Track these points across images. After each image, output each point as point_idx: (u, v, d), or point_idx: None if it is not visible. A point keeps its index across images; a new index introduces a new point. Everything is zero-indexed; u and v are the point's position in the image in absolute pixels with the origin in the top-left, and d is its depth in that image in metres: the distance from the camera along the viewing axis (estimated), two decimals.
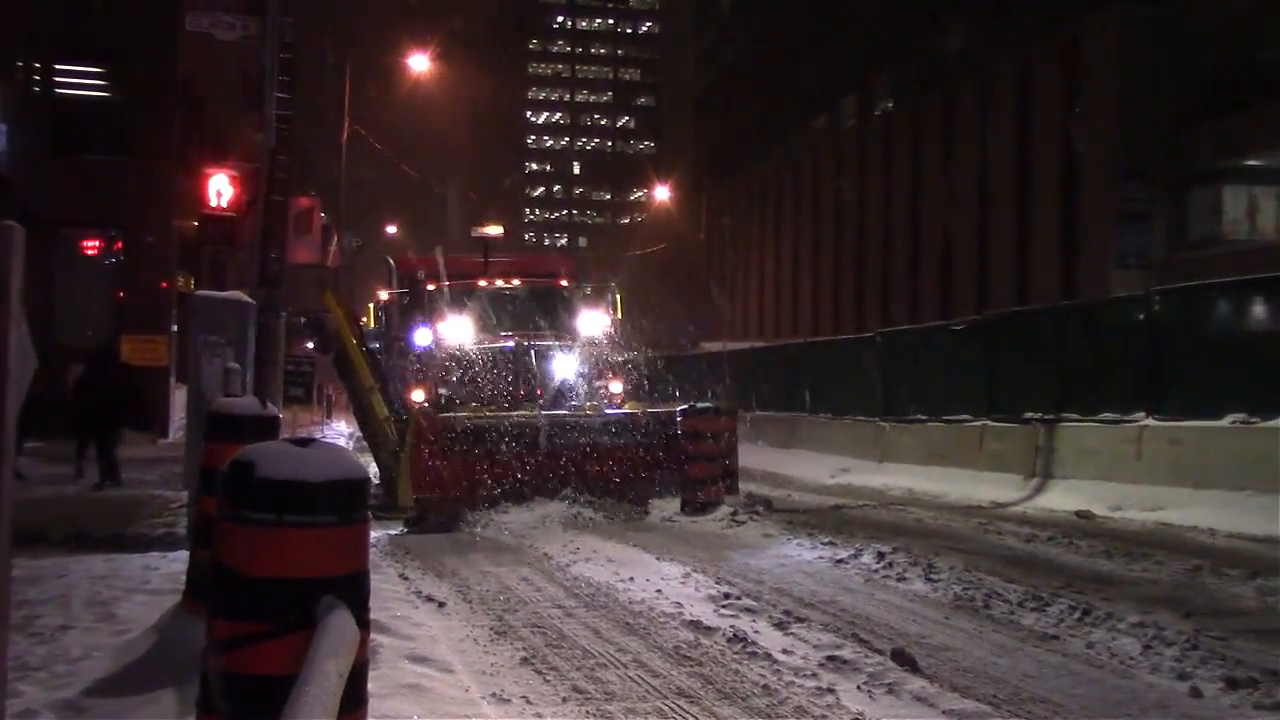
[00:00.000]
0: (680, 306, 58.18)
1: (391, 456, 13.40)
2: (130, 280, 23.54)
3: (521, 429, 12.99)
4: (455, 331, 14.75)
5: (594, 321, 15.45)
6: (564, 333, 15.35)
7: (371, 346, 15.75)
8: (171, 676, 4.91)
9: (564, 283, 16.84)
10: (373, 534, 10.50)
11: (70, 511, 11.93)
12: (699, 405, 14.07)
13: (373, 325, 17.54)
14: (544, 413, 13.55)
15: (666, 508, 12.94)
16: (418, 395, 14.36)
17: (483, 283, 15.88)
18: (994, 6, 41.10)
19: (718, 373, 28.31)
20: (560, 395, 14.65)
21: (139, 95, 23.23)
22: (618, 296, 16.46)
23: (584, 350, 15.14)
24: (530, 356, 14.70)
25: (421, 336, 15.14)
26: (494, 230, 17.70)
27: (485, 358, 14.61)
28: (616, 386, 15.33)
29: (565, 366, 14.89)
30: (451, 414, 13.09)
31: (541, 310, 15.64)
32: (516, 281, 16.39)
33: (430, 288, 15.27)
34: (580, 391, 14.80)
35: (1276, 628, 6.90)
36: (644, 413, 14.08)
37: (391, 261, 17.75)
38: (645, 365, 17.36)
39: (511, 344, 14.76)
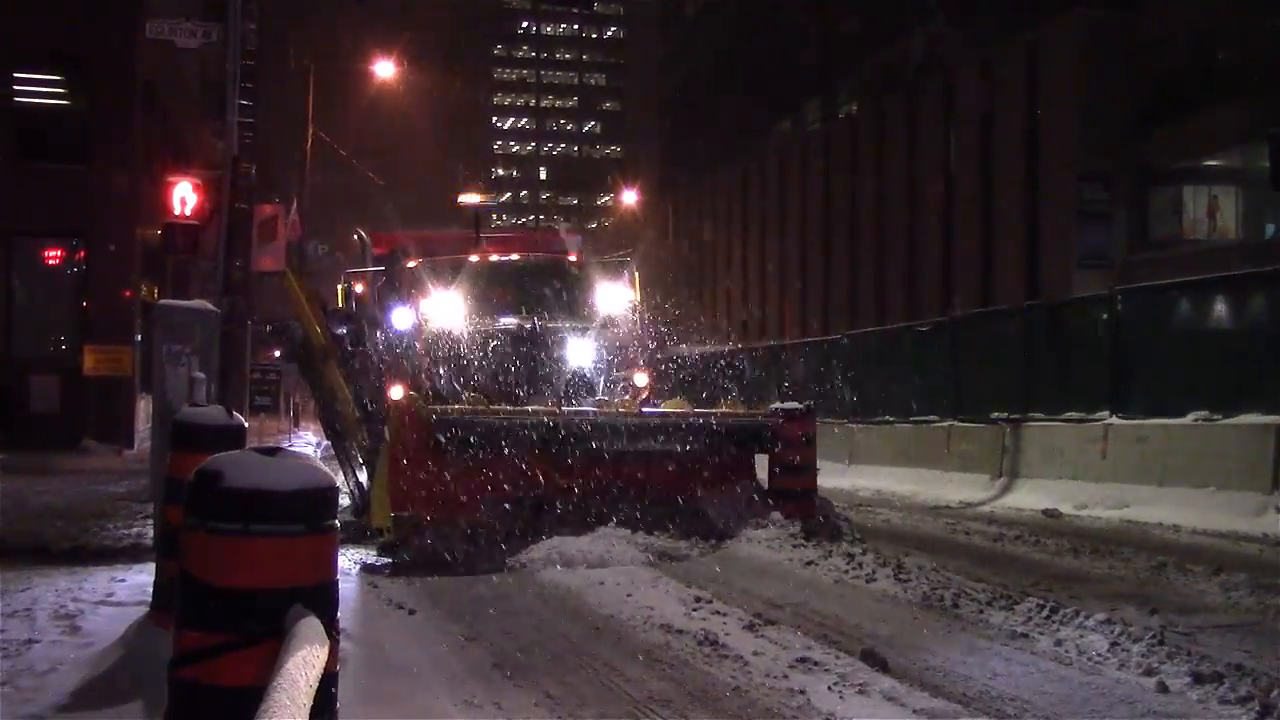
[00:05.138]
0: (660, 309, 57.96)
1: (366, 466, 11.27)
2: (93, 290, 23.33)
3: (543, 430, 10.18)
4: (444, 312, 12.20)
5: (612, 302, 12.92)
6: (577, 315, 12.80)
7: (339, 332, 13.25)
8: (139, 689, 4.88)
9: (573, 257, 14.22)
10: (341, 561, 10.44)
11: (33, 522, 11.78)
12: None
13: (340, 305, 14.86)
14: (583, 409, 10.96)
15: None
16: (397, 392, 11.24)
17: (475, 257, 13.24)
18: (956, 10, 41.44)
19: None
20: (577, 388, 12.13)
21: (99, 102, 23.01)
22: (635, 274, 13.79)
23: (603, 336, 12.71)
24: (539, 341, 12.17)
25: (401, 318, 12.57)
26: (482, 198, 15.10)
27: (483, 343, 12.07)
28: (642, 379, 12.77)
29: (582, 354, 12.41)
30: (445, 407, 10.32)
31: (548, 289, 13.02)
32: (516, 255, 13.89)
33: (412, 264, 12.89)
34: (600, 385, 12.36)
35: (1241, 623, 6.99)
36: (706, 413, 11.46)
37: (366, 235, 15.08)
38: (676, 357, 15.19)
39: (514, 325, 12.24)
